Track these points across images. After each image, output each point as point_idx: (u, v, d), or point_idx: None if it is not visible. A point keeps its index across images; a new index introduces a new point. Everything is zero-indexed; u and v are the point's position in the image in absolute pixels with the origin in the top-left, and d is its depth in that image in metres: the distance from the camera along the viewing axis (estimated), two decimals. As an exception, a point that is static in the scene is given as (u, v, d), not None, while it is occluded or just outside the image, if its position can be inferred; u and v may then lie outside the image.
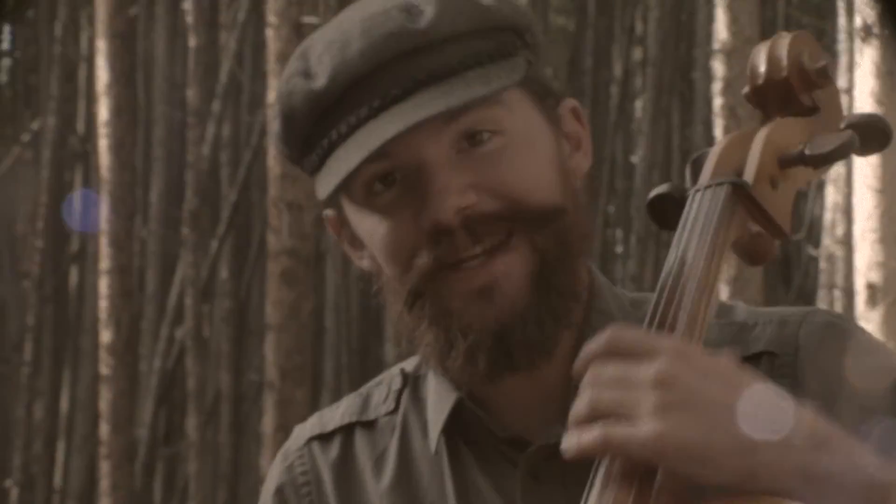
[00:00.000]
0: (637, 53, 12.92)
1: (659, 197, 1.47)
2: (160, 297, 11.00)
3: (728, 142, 1.46)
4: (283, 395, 7.58)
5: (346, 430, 1.51)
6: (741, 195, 1.41)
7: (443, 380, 1.45)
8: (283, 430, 7.37)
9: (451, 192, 1.35)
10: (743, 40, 5.78)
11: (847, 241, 6.18)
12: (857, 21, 5.08)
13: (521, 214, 1.37)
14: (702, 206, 1.40)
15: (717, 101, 5.87)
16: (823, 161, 1.46)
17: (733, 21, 5.98)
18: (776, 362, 1.42)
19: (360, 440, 1.50)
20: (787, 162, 1.44)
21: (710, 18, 8.03)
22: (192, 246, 9.57)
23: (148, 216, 11.06)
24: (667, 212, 1.46)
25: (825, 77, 1.47)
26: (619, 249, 13.42)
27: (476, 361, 1.37)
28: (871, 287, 4.83)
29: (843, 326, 1.45)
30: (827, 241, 6.91)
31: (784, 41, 1.46)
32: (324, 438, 1.51)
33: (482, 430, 1.44)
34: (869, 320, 4.85)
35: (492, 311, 1.37)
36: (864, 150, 1.45)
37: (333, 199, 1.43)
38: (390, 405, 1.51)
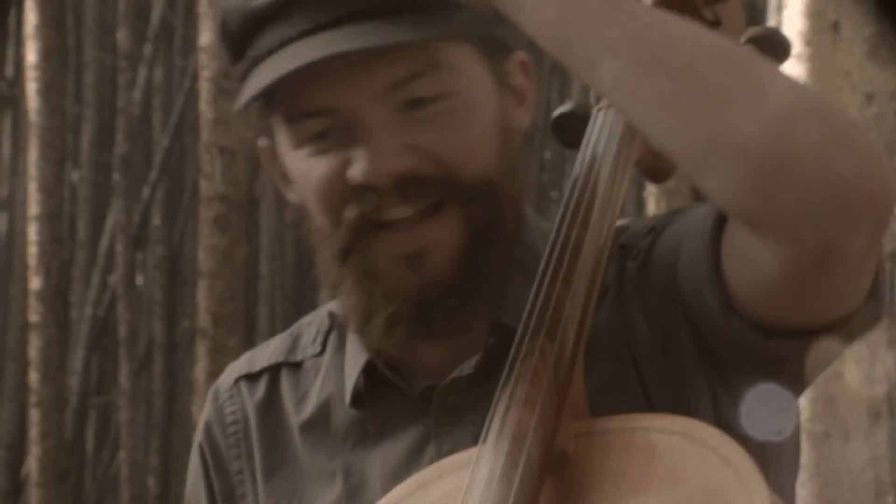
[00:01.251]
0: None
1: (563, 115, 1.46)
2: (91, 244, 10.89)
3: None
4: (217, 342, 7.53)
5: (273, 371, 1.51)
6: None
7: (357, 337, 1.43)
8: (216, 378, 7.30)
9: (387, 154, 1.33)
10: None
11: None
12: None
13: (457, 183, 1.35)
14: (605, 124, 1.39)
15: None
16: None
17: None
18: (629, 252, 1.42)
19: (286, 381, 1.50)
20: None
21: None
22: (123, 192, 9.48)
23: (79, 162, 10.93)
24: (572, 130, 1.45)
25: None
26: (554, 195, 13.44)
27: (394, 331, 1.37)
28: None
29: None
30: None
31: None
32: (251, 378, 1.51)
33: (393, 388, 1.43)
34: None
35: (416, 279, 1.35)
36: None
37: (268, 129, 1.40)
38: (317, 348, 1.50)
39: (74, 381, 10.07)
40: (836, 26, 4.80)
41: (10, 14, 11.53)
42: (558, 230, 1.33)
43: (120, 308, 9.58)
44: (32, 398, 8.47)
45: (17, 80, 11.39)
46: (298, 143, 1.37)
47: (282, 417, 1.49)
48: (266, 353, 1.53)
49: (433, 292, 1.35)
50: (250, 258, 8.70)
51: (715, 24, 1.45)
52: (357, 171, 1.33)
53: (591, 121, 1.41)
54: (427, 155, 1.34)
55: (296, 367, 1.50)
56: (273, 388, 1.50)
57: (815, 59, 4.63)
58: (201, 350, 7.68)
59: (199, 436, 1.53)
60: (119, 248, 9.57)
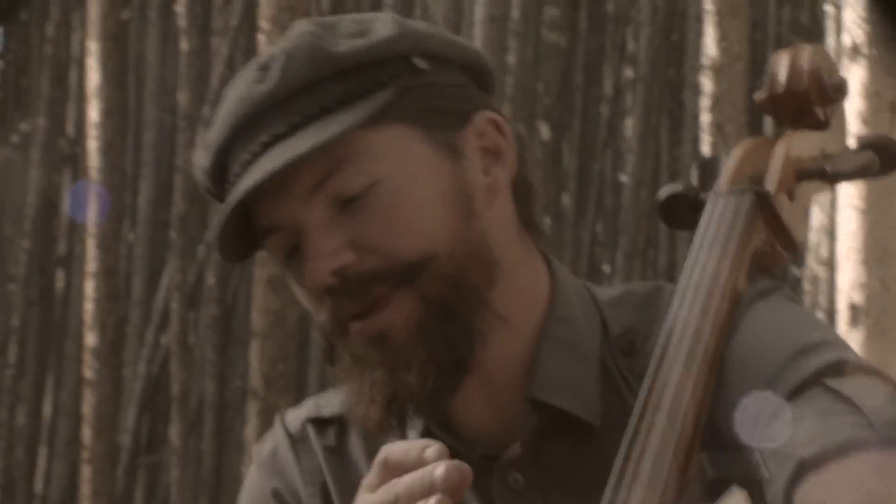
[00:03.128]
0: (628, 72, 12.93)
1: (672, 196, 1.46)
2: (146, 301, 10.97)
3: (745, 149, 1.46)
4: (267, 403, 7.55)
5: (342, 422, 1.50)
6: (763, 205, 1.40)
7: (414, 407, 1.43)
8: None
9: (322, 255, 1.35)
10: (732, 57, 5.79)
11: (831, 262, 6.18)
12: (846, 40, 5.08)
13: (399, 270, 1.36)
14: (725, 212, 1.40)
15: (705, 118, 5.87)
16: (843, 178, 1.46)
17: (723, 38, 5.98)
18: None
19: (355, 435, 1.50)
20: (805, 175, 1.44)
21: (700, 37, 8.05)
22: (179, 250, 9.54)
23: (136, 220, 11.03)
24: (678, 211, 1.46)
25: (841, 93, 1.47)
26: (606, 268, 13.42)
27: (370, 416, 1.38)
28: (853, 307, 4.83)
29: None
30: (811, 261, 6.93)
31: (806, 53, 1.46)
32: (320, 423, 1.51)
33: (454, 452, 1.44)
34: (851, 340, 4.85)
35: (384, 357, 1.36)
36: (880, 172, 1.45)
37: None
38: None
39: (126, 439, 10.11)
40: (893, 107, 4.80)
41: (70, 71, 11.68)
42: (675, 316, 1.35)
43: (173, 366, 9.63)
44: (85, 454, 8.51)
45: (78, 138, 11.53)
46: (277, 264, 1.42)
47: (352, 472, 1.47)
48: (334, 401, 1.50)
49: (394, 373, 1.36)
50: (302, 321, 8.73)
51: (825, 124, 1.46)
52: (305, 278, 1.36)
53: (709, 206, 1.42)
54: (364, 248, 1.36)
55: None
56: (342, 439, 1.49)
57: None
58: (252, 410, 7.71)
59: (262, 457, 1.50)
60: (173, 306, 9.62)
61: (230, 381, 10.91)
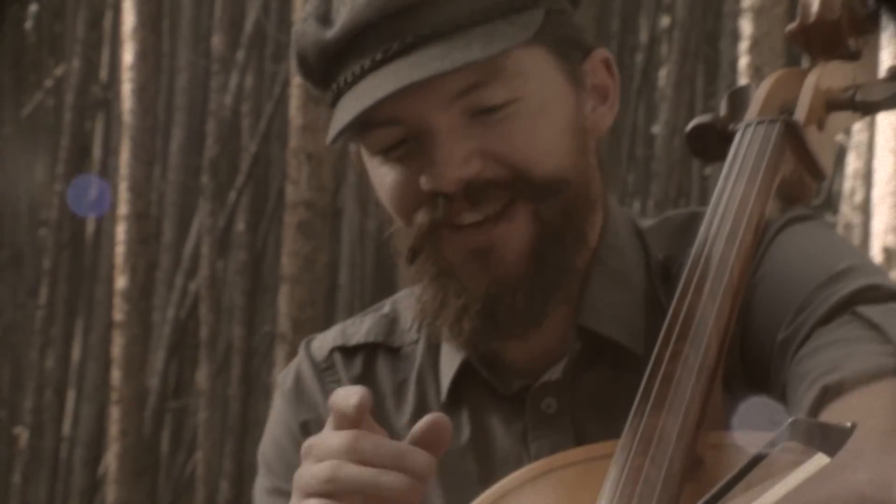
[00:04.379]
0: (664, 21, 12.84)
1: (700, 126, 1.46)
2: (177, 246, 11.00)
3: (775, 79, 1.45)
4: (295, 346, 7.53)
5: (370, 349, 1.50)
6: (792, 134, 1.40)
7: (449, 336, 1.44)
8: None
9: (454, 162, 1.34)
10: (772, 0, 5.76)
11: (865, 208, 6.15)
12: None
13: (526, 184, 1.36)
14: (753, 142, 1.40)
15: (743, 61, 5.85)
16: (873, 108, 1.46)
17: (763, -20, 5.95)
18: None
19: (383, 363, 1.50)
20: (836, 105, 1.44)
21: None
22: (210, 195, 9.56)
23: (167, 165, 11.04)
24: (707, 143, 1.46)
25: (874, 23, 1.46)
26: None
27: (462, 324, 1.37)
28: (887, 251, 4.80)
29: None
30: (845, 208, 6.89)
31: None
32: (347, 351, 1.50)
33: (488, 387, 1.44)
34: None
35: (486, 274, 1.36)
36: None
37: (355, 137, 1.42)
38: (413, 335, 1.50)
39: (155, 382, 10.16)
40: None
41: (105, 17, 11.69)
42: (703, 242, 1.35)
43: (202, 311, 9.66)
44: (113, 396, 8.55)
45: (111, 84, 11.54)
46: (373, 152, 1.39)
47: (380, 399, 1.47)
48: (361, 329, 1.51)
49: (500, 288, 1.35)
50: (331, 268, 8.74)
51: (856, 55, 1.46)
52: (426, 178, 1.35)
53: (739, 136, 1.41)
54: (495, 159, 1.35)
55: (394, 351, 1.49)
56: (369, 367, 1.49)
57: None
58: (280, 354, 7.73)
59: (287, 386, 1.51)
60: (203, 250, 9.65)
61: (258, 327, 10.95)
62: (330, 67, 1.38)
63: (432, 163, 1.35)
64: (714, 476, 1.22)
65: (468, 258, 1.36)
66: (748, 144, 1.40)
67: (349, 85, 1.37)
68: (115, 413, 8.57)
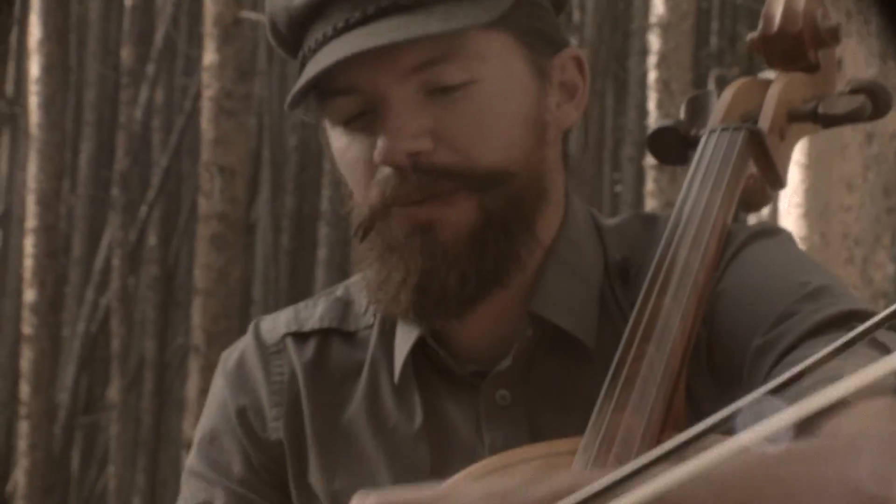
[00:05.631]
0: (573, 41, 12.92)
1: (663, 130, 1.48)
2: (86, 260, 10.90)
3: (737, 88, 1.47)
4: (209, 359, 7.53)
5: (324, 335, 1.49)
6: (756, 142, 1.42)
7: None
8: (206, 396, 7.28)
9: (404, 134, 1.35)
10: (679, 15, 5.83)
11: (773, 217, 6.24)
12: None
13: (472, 174, 1.36)
14: (718, 148, 1.42)
15: (652, 75, 5.91)
16: (835, 122, 1.47)
17: (670, -3, 6.02)
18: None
19: (337, 348, 1.49)
20: (798, 116, 1.46)
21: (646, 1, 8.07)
22: (121, 208, 9.49)
23: (77, 179, 10.95)
24: (668, 146, 1.47)
25: (835, 37, 1.48)
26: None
27: (399, 298, 1.38)
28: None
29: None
30: (752, 217, 6.98)
31: None
32: (299, 337, 1.49)
33: (443, 366, 1.44)
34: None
35: (424, 249, 1.37)
36: (871, 117, 1.46)
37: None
38: (369, 319, 1.50)
39: (64, 398, 10.06)
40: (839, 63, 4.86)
41: (12, 31, 11.56)
42: (667, 246, 1.36)
43: (113, 325, 9.58)
44: (22, 410, 8.46)
45: (17, 98, 11.42)
46: (333, 123, 1.40)
47: (333, 385, 1.48)
48: (315, 313, 1.50)
49: (434, 264, 1.36)
50: (244, 282, 8.69)
51: (816, 67, 1.48)
52: (378, 151, 1.35)
53: (703, 142, 1.43)
54: (446, 143, 1.36)
55: (348, 336, 1.49)
56: (323, 352, 1.48)
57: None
58: (193, 367, 7.68)
59: (229, 366, 1.49)
60: (115, 263, 9.57)
61: (171, 340, 10.87)
62: (297, 33, 1.40)
63: (384, 133, 1.35)
64: None
65: (410, 232, 1.37)
66: (713, 150, 1.42)
67: (312, 51, 1.38)
68: (23, 428, 8.48)
